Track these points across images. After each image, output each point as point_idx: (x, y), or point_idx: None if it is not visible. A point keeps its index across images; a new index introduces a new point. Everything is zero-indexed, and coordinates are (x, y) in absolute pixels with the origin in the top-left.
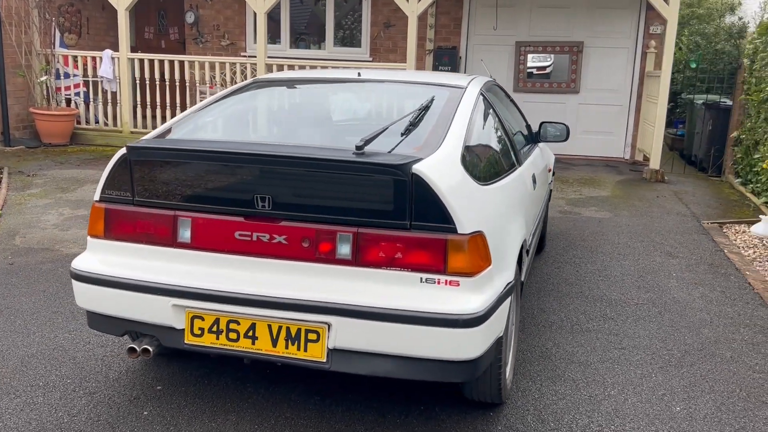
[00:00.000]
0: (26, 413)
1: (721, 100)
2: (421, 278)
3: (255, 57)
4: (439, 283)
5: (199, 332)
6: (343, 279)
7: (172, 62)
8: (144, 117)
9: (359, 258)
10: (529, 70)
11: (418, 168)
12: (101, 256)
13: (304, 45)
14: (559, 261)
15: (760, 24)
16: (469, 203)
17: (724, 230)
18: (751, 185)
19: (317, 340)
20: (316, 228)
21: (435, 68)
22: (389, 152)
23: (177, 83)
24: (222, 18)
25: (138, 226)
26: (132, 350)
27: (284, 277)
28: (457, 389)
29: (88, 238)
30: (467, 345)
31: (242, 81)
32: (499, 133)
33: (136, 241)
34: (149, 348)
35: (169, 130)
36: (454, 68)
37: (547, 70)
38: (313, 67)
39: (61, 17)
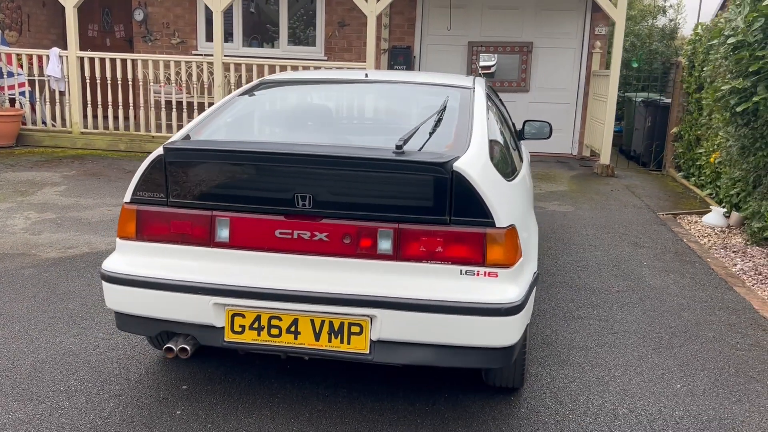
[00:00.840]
0: (56, 418)
1: (660, 98)
2: (461, 270)
3: (211, 56)
4: (478, 275)
5: (239, 329)
6: (384, 273)
7: (124, 61)
8: (95, 117)
9: (400, 253)
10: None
11: (458, 165)
12: (132, 258)
13: (256, 43)
14: (537, 253)
15: (703, 28)
16: (502, 198)
17: (678, 221)
18: (694, 178)
19: (360, 333)
20: (357, 225)
21: (390, 67)
22: (420, 150)
23: (130, 82)
24: (172, 16)
25: (173, 226)
26: (169, 350)
27: (326, 273)
28: (478, 376)
29: (117, 239)
30: (508, 332)
31: (198, 80)
32: (506, 131)
33: (170, 241)
34: (187, 347)
35: (189, 135)
36: (409, 67)
37: (492, 70)
38: (272, 66)
39: (1, 14)
